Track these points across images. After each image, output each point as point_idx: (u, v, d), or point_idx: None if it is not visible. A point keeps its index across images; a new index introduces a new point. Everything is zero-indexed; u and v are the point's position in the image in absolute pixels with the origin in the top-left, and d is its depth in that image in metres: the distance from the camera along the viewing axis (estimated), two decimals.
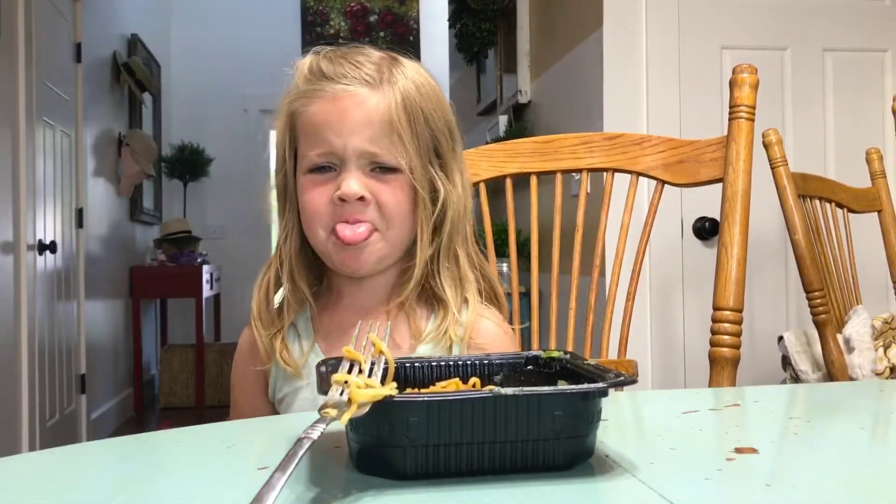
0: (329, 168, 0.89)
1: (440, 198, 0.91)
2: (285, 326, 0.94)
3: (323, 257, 0.93)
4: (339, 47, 0.93)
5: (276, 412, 0.98)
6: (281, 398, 0.96)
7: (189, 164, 5.78)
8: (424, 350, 0.91)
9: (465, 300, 0.94)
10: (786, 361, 1.97)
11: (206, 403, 4.95)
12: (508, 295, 1.06)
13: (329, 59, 0.91)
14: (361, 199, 0.87)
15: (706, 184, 1.22)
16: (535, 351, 0.68)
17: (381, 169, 0.89)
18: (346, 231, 0.88)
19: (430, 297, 0.95)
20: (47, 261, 3.38)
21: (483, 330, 0.94)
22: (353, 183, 0.87)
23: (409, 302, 0.93)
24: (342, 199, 0.87)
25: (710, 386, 1.12)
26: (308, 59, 0.93)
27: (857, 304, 2.06)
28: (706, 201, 2.47)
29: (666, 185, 1.23)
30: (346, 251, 0.89)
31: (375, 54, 0.92)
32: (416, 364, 0.66)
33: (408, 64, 0.93)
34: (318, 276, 0.97)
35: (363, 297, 0.95)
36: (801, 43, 2.72)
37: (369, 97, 0.88)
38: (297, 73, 0.94)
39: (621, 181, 1.22)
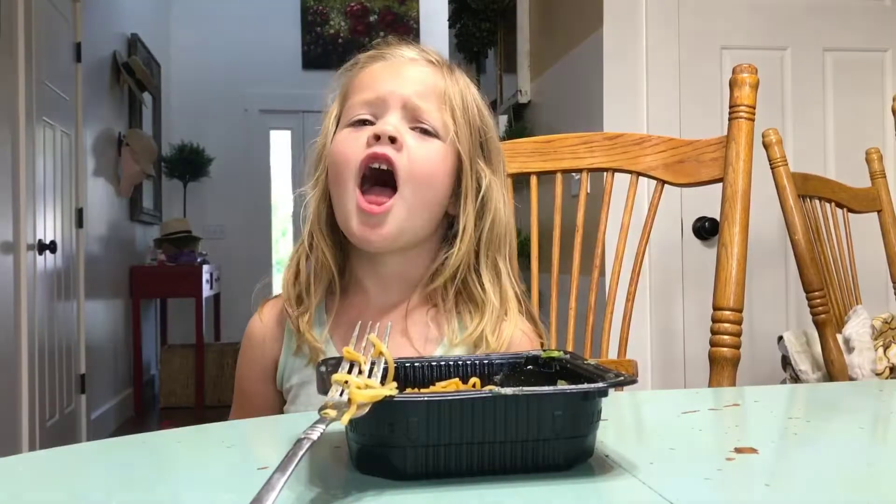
0: (370, 122, 0.89)
1: (482, 189, 0.91)
2: (312, 306, 0.92)
3: (344, 225, 0.89)
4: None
5: (283, 402, 0.96)
6: (289, 388, 0.94)
7: (189, 164, 5.78)
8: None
9: (506, 312, 0.92)
10: (786, 361, 1.97)
11: (206, 403, 4.95)
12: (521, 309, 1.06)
13: (398, 38, 0.95)
14: (394, 141, 0.86)
15: (706, 184, 1.22)
16: (535, 351, 0.68)
17: (422, 130, 0.88)
18: (366, 203, 0.86)
19: (467, 302, 0.92)
20: (47, 261, 3.38)
21: (517, 343, 0.92)
22: (391, 123, 0.87)
23: (445, 303, 0.92)
24: (376, 137, 0.85)
25: (710, 386, 1.12)
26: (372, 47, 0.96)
27: (857, 304, 2.06)
28: (706, 201, 2.47)
29: (666, 185, 1.23)
30: (367, 219, 0.86)
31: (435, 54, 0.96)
32: (416, 364, 0.66)
33: (461, 70, 0.96)
34: (341, 259, 0.94)
35: (383, 286, 0.93)
36: (801, 43, 2.72)
37: (431, 70, 0.91)
38: (359, 57, 0.95)
39: (621, 181, 1.22)
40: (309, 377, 0.92)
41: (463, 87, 0.92)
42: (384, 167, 0.86)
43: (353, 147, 0.87)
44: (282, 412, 0.96)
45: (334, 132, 0.92)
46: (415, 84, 0.89)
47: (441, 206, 0.91)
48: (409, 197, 0.87)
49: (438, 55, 0.94)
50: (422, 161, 0.87)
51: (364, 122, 0.89)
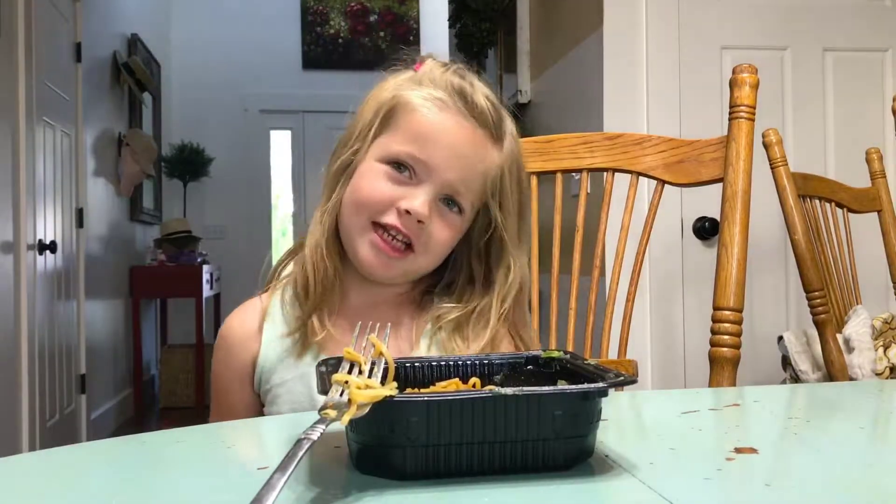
0: (406, 170, 0.88)
1: (516, 277, 0.93)
2: (327, 303, 0.92)
3: (348, 245, 0.91)
4: (457, 65, 0.93)
5: (261, 404, 0.96)
6: (268, 389, 0.93)
7: (189, 164, 5.78)
8: None
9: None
10: (786, 361, 1.97)
11: (206, 403, 4.92)
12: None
13: (461, 78, 0.91)
14: (421, 222, 0.87)
15: (706, 184, 1.22)
16: (535, 351, 0.68)
17: (448, 203, 0.89)
18: (383, 245, 0.88)
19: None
20: (47, 261, 3.38)
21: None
22: (425, 204, 0.87)
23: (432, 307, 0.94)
24: (407, 212, 0.86)
25: (710, 386, 1.12)
26: (439, 67, 0.92)
27: (857, 304, 2.06)
28: (706, 201, 2.47)
29: (666, 185, 1.23)
30: (379, 256, 0.88)
31: (488, 90, 0.92)
32: (416, 364, 0.66)
33: (507, 115, 0.94)
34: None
35: (368, 297, 0.95)
36: (801, 43, 2.72)
37: (489, 148, 0.90)
38: (422, 71, 0.92)
39: (621, 181, 1.22)
40: (287, 378, 0.92)
41: (514, 161, 0.92)
42: (401, 238, 0.88)
43: (382, 198, 0.88)
44: (260, 415, 0.96)
45: (367, 149, 0.91)
46: (466, 165, 0.88)
47: (443, 259, 0.94)
48: (420, 259, 0.90)
49: (496, 114, 0.91)
50: (439, 243, 0.90)
51: (401, 168, 0.88)
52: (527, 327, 0.98)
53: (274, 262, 1.01)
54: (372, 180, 0.88)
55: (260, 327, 0.95)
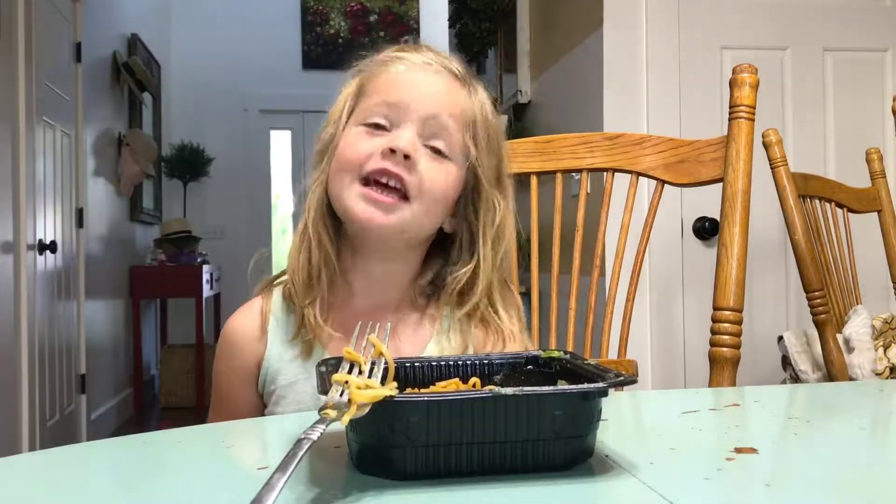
0: (384, 128, 0.87)
1: (497, 221, 0.91)
2: (319, 296, 0.90)
3: (342, 212, 0.88)
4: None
5: (263, 405, 0.95)
6: (272, 390, 0.93)
7: (189, 164, 5.78)
8: None
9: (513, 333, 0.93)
10: (786, 361, 1.97)
11: (206, 403, 4.88)
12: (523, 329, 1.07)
13: (424, 44, 0.93)
14: (408, 157, 0.85)
15: (706, 184, 1.22)
16: (535, 351, 0.68)
17: (434, 150, 0.88)
18: (373, 193, 0.85)
19: (478, 323, 0.93)
20: (47, 261, 3.38)
21: None
22: (408, 139, 0.85)
23: (439, 309, 0.94)
24: (392, 150, 0.84)
25: (710, 386, 1.12)
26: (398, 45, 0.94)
27: (857, 304, 2.06)
28: (706, 201, 2.47)
29: (666, 185, 1.23)
30: (373, 207, 0.85)
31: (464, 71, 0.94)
32: (416, 364, 0.66)
33: (479, 82, 0.95)
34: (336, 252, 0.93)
35: (371, 291, 0.93)
36: (801, 43, 2.72)
37: (456, 87, 0.90)
38: (381, 52, 0.94)
39: (621, 181, 1.22)
40: (298, 375, 0.91)
41: (486, 108, 0.92)
42: (393, 183, 0.85)
43: (364, 151, 0.86)
44: (261, 415, 0.95)
45: (344, 125, 0.91)
46: (438, 100, 0.87)
47: (441, 221, 0.92)
48: (415, 208, 0.87)
49: (462, 67, 0.92)
50: (433, 184, 0.86)
51: (378, 126, 0.87)
52: (509, 294, 0.96)
53: (266, 259, 1.01)
54: (352, 141, 0.88)
55: (263, 328, 0.94)
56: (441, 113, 0.87)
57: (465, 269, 0.91)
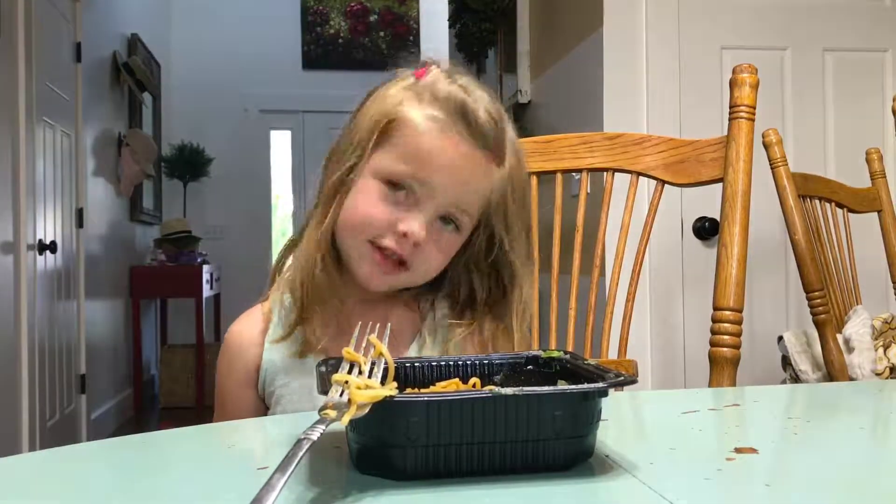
0: (404, 190, 0.86)
1: (526, 295, 0.93)
2: (319, 311, 0.92)
3: (347, 262, 0.91)
4: (459, 73, 0.90)
5: (265, 407, 0.97)
6: (272, 391, 0.95)
7: (189, 164, 5.78)
8: None
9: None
10: (786, 361, 1.97)
11: (206, 403, 4.95)
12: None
13: (464, 91, 0.87)
14: (416, 244, 0.86)
15: (706, 184, 1.22)
16: (535, 351, 0.68)
17: (445, 221, 0.88)
18: (383, 263, 0.87)
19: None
20: (47, 261, 3.38)
21: None
22: (423, 228, 0.86)
23: (431, 311, 0.95)
24: (405, 234, 0.85)
25: (710, 386, 1.12)
26: (444, 79, 0.88)
27: (857, 304, 2.06)
28: (706, 201, 2.47)
29: (666, 185, 1.23)
30: (377, 272, 0.88)
31: (490, 101, 0.89)
32: (416, 364, 0.66)
33: (510, 130, 0.92)
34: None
35: (369, 306, 0.95)
36: (801, 43, 2.72)
37: (489, 168, 0.88)
38: (426, 83, 0.88)
39: (621, 181, 1.22)
40: (293, 378, 0.93)
41: (514, 180, 0.90)
42: (397, 258, 0.88)
43: (379, 220, 0.86)
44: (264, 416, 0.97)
45: (364, 163, 0.88)
46: (469, 187, 0.86)
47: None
48: (414, 274, 0.90)
49: (497, 118, 0.88)
50: (434, 258, 0.89)
51: (398, 186, 0.86)
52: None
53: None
54: (368, 200, 0.87)
55: (263, 332, 0.96)
56: (465, 199, 0.87)
57: (462, 331, 0.92)
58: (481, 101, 0.87)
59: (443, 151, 0.85)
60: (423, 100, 0.87)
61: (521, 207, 0.92)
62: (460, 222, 0.89)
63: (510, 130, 0.91)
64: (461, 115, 0.85)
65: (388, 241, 0.86)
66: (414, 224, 0.85)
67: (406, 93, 0.88)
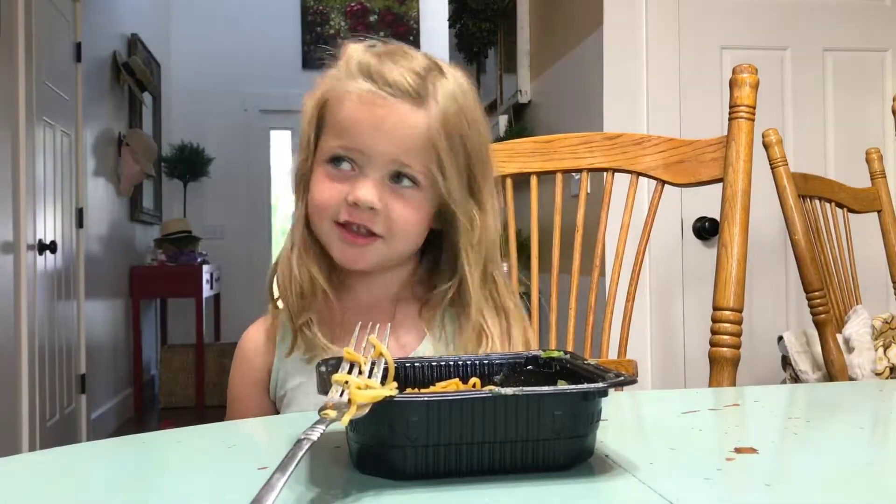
0: (347, 163, 0.88)
1: (476, 232, 0.91)
2: (310, 309, 0.93)
3: (328, 248, 0.92)
4: (387, 45, 0.92)
5: (276, 411, 0.98)
6: (283, 394, 0.96)
7: (189, 164, 5.78)
8: None
9: (510, 334, 0.94)
10: (786, 361, 1.97)
11: (206, 403, 4.95)
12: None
13: (378, 58, 0.89)
14: (372, 208, 0.87)
15: (706, 184, 1.22)
16: (535, 351, 0.68)
17: (399, 179, 0.88)
18: (347, 236, 0.89)
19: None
20: (47, 261, 3.38)
21: None
22: (369, 190, 0.86)
23: (436, 305, 0.94)
24: (356, 203, 0.87)
25: (710, 386, 1.12)
26: (358, 51, 0.91)
27: (857, 304, 2.06)
28: (706, 201, 2.47)
29: (666, 185, 1.23)
30: (348, 248, 0.89)
31: (421, 61, 0.89)
32: (416, 364, 0.66)
33: (452, 77, 0.91)
34: (327, 266, 0.95)
35: (371, 292, 0.96)
36: (801, 43, 2.72)
37: (410, 112, 0.87)
38: (343, 60, 0.92)
39: (621, 181, 1.22)
40: (305, 380, 0.94)
41: (446, 106, 0.88)
42: (364, 229, 0.89)
43: (330, 199, 0.88)
44: None
45: (313, 155, 0.92)
46: (397, 137, 0.87)
47: (422, 236, 0.93)
48: (389, 243, 0.90)
49: (418, 74, 0.88)
50: (399, 223, 0.89)
51: (341, 160, 0.88)
52: (509, 293, 0.96)
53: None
54: (319, 185, 0.90)
55: (273, 337, 0.98)
56: (400, 151, 0.87)
57: (449, 286, 0.93)
58: (402, 58, 0.89)
59: (364, 115, 0.87)
60: (341, 77, 0.90)
61: (458, 152, 0.89)
62: (412, 176, 0.88)
63: (447, 80, 0.90)
64: (374, 76, 0.88)
65: (345, 215, 0.88)
66: (360, 191, 0.87)
67: (329, 77, 0.93)
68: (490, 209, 0.93)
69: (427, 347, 0.94)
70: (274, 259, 0.99)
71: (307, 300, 0.92)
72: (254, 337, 1.00)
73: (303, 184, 0.93)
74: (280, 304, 0.96)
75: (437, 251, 0.96)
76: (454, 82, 0.90)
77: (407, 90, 0.87)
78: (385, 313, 0.95)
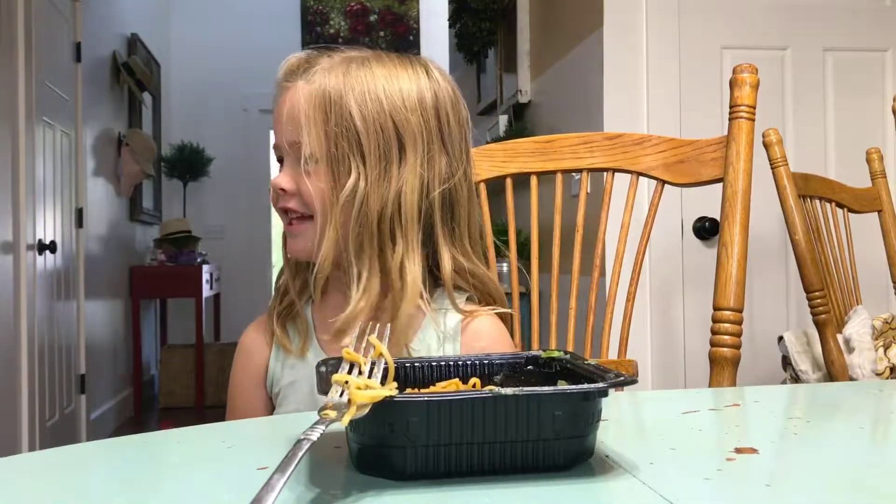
0: (279, 161, 0.96)
1: (345, 188, 0.89)
2: (290, 306, 0.97)
3: None
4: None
5: (273, 407, 1.00)
6: (278, 391, 0.98)
7: (189, 164, 5.78)
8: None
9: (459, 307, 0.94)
10: (786, 361, 1.97)
11: (206, 403, 4.95)
12: (508, 294, 1.06)
13: (298, 57, 0.98)
14: (283, 190, 0.92)
15: (706, 184, 1.22)
16: (535, 351, 0.68)
17: (305, 161, 0.91)
18: (286, 227, 0.95)
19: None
20: (47, 261, 3.38)
21: (476, 331, 0.94)
22: (281, 176, 0.93)
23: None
24: (278, 193, 0.93)
25: (710, 386, 1.12)
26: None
27: (857, 304, 2.06)
28: (706, 201, 2.47)
29: (666, 185, 1.23)
30: (289, 239, 0.95)
31: (336, 56, 0.95)
32: (416, 364, 0.66)
33: (343, 57, 0.94)
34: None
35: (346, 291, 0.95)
36: (801, 43, 2.72)
37: (294, 92, 0.93)
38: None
39: (621, 181, 1.22)
40: (296, 377, 0.96)
41: (323, 81, 0.91)
42: (293, 215, 0.94)
43: (272, 190, 0.96)
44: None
45: None
46: (290, 120, 0.92)
47: (346, 214, 0.91)
48: (317, 223, 0.92)
49: (313, 55, 0.95)
50: (309, 197, 0.91)
51: (280, 160, 0.96)
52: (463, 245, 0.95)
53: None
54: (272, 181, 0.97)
55: (270, 334, 0.99)
56: (294, 131, 0.91)
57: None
58: (309, 52, 0.98)
59: (276, 108, 0.96)
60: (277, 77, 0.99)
61: (330, 118, 0.90)
62: (312, 154, 0.90)
63: (333, 59, 0.94)
64: (284, 74, 0.97)
65: (277, 205, 0.95)
66: (275, 179, 0.94)
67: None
68: (390, 182, 0.90)
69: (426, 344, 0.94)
70: (274, 261, 1.01)
71: (294, 304, 0.97)
72: (252, 334, 1.02)
73: None
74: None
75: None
76: (342, 61, 0.94)
77: (294, 71, 0.96)
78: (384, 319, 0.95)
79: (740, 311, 1.13)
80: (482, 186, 1.23)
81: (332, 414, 0.50)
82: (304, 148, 0.90)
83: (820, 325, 1.79)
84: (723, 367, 1.12)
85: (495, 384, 0.66)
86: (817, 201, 2.07)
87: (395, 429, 0.51)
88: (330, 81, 0.91)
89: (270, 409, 1.01)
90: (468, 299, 0.96)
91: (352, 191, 0.89)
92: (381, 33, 6.47)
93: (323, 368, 0.60)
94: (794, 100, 2.71)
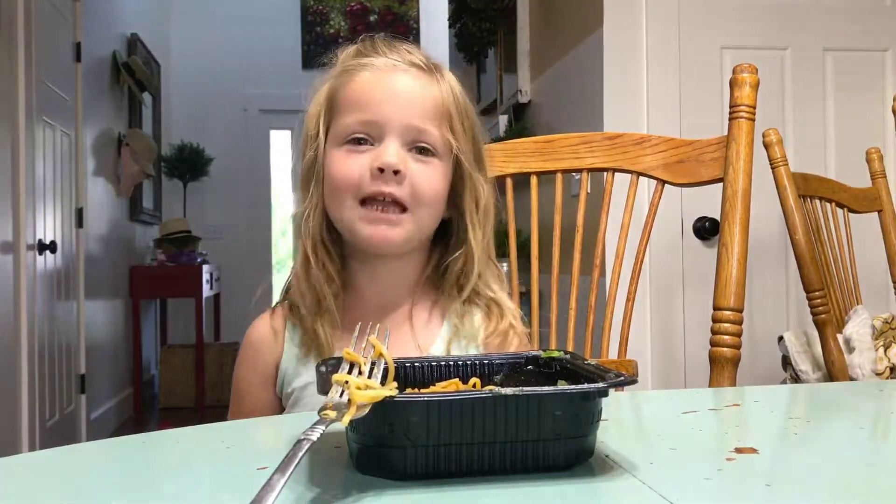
0: (366, 141, 0.88)
1: (482, 201, 0.92)
2: (326, 311, 0.92)
3: (348, 233, 0.90)
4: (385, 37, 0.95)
5: (282, 407, 0.97)
6: (290, 392, 0.94)
7: (189, 164, 5.78)
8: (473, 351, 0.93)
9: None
10: (786, 361, 1.97)
11: (206, 403, 4.95)
12: (508, 295, 1.06)
13: (380, 40, 0.92)
14: (398, 172, 0.86)
15: (706, 183, 1.22)
16: (535, 351, 0.68)
17: (419, 150, 0.89)
18: (378, 213, 0.87)
19: (476, 303, 0.96)
20: (47, 261, 3.38)
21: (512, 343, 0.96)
22: (394, 154, 0.86)
23: (449, 297, 0.95)
24: (380, 169, 0.86)
25: (710, 386, 1.12)
26: (355, 45, 0.94)
27: (857, 304, 2.06)
28: (706, 201, 2.47)
29: (666, 185, 1.23)
30: (378, 227, 0.87)
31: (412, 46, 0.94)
32: (416, 364, 0.66)
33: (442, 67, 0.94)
34: (340, 263, 0.94)
35: (382, 292, 0.95)
36: (801, 43, 2.72)
37: (423, 81, 0.89)
38: (341, 57, 0.94)
39: (621, 181, 1.22)
40: (313, 378, 0.92)
41: (456, 91, 0.92)
42: (389, 200, 0.88)
43: (353, 172, 0.87)
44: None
45: (324, 145, 0.91)
46: (412, 104, 0.88)
47: (441, 214, 0.93)
48: (416, 217, 0.89)
49: (424, 55, 0.93)
50: (427, 189, 0.88)
51: (360, 141, 0.88)
52: (498, 280, 0.97)
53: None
54: (339, 163, 0.89)
55: (281, 332, 0.96)
56: (418, 116, 0.88)
57: (458, 254, 0.93)
58: (385, 39, 0.94)
59: (380, 86, 0.89)
60: (349, 62, 0.92)
61: (466, 124, 0.92)
62: (430, 143, 0.89)
63: (445, 68, 0.94)
64: (384, 53, 0.91)
65: (372, 186, 0.87)
66: (385, 155, 0.86)
67: (331, 74, 0.94)
68: (493, 189, 0.95)
69: (444, 340, 0.94)
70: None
71: (324, 303, 0.91)
72: (260, 330, 0.98)
73: (314, 175, 0.91)
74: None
75: (444, 251, 0.96)
76: (442, 66, 0.94)
77: (418, 63, 0.90)
78: (401, 310, 0.95)
79: (740, 310, 1.13)
80: None
81: (332, 414, 0.50)
82: (434, 139, 0.88)
83: (820, 325, 1.79)
84: (723, 367, 1.12)
85: (495, 384, 0.66)
86: (817, 201, 2.07)
87: (395, 429, 0.51)
88: (457, 86, 0.92)
89: (279, 408, 0.97)
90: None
91: (487, 200, 0.91)
92: (381, 34, 6.45)
93: (323, 368, 0.60)
94: (794, 100, 2.71)
